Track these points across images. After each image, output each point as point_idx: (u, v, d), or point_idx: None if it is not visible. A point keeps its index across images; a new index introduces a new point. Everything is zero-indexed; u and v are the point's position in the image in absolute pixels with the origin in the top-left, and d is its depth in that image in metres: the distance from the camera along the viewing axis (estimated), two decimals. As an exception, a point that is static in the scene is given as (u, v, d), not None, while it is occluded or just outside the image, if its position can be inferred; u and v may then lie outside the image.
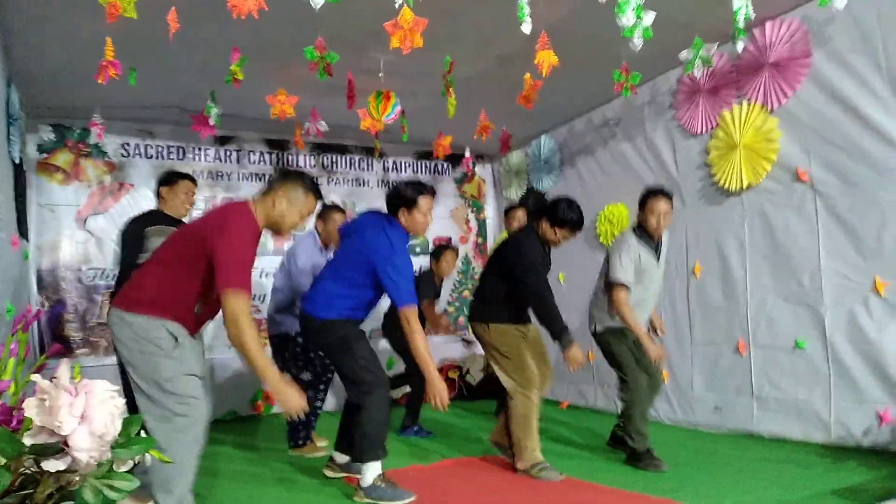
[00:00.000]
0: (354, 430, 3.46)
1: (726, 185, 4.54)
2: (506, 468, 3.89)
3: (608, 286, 3.96)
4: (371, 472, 3.32)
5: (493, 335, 3.89)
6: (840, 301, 3.95)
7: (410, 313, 3.29)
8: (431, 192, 3.53)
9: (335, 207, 4.72)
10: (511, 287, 3.85)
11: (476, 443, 4.67)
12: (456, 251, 5.51)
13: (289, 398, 2.61)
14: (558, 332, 3.67)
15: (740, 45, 3.73)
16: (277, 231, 2.82)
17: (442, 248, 5.43)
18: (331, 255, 4.57)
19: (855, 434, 3.82)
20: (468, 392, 6.52)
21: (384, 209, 3.59)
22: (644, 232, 3.97)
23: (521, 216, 5.61)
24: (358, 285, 3.42)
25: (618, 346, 3.97)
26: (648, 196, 3.95)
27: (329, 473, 3.77)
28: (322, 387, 4.54)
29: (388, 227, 3.44)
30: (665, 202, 3.90)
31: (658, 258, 4.01)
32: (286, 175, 2.86)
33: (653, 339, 4.02)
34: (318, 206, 4.49)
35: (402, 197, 3.46)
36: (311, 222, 4.61)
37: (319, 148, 6.61)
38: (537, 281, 3.79)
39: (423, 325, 4.44)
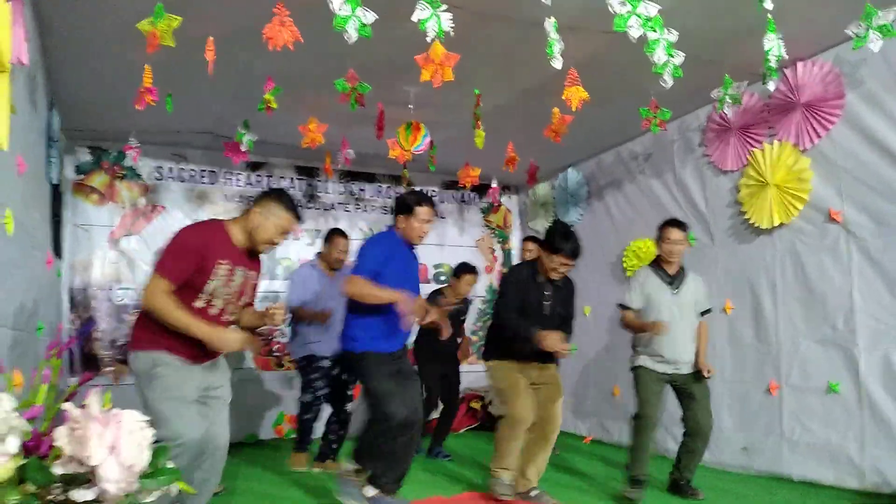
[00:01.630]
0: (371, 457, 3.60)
1: (757, 224, 4.49)
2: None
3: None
4: None
5: (490, 373, 4.03)
6: (875, 345, 3.86)
7: (352, 276, 3.55)
8: (431, 203, 3.71)
9: (338, 231, 4.97)
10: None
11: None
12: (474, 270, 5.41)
13: (222, 338, 2.73)
14: (529, 336, 3.70)
15: (772, 85, 3.70)
16: (254, 246, 2.94)
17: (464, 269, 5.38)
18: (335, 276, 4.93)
19: (891, 482, 3.70)
20: (490, 423, 6.44)
21: None
22: (659, 265, 4.09)
23: (531, 248, 5.63)
24: (362, 308, 3.55)
25: (638, 381, 4.05)
26: (663, 226, 4.10)
27: None
28: (315, 409, 4.79)
29: (376, 234, 3.69)
30: (677, 231, 4.02)
31: (675, 290, 4.02)
32: (266, 193, 3.02)
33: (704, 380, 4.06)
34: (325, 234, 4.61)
35: (403, 203, 3.70)
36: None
37: (348, 175, 6.68)
38: (503, 305, 3.93)
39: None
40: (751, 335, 4.62)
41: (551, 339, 3.64)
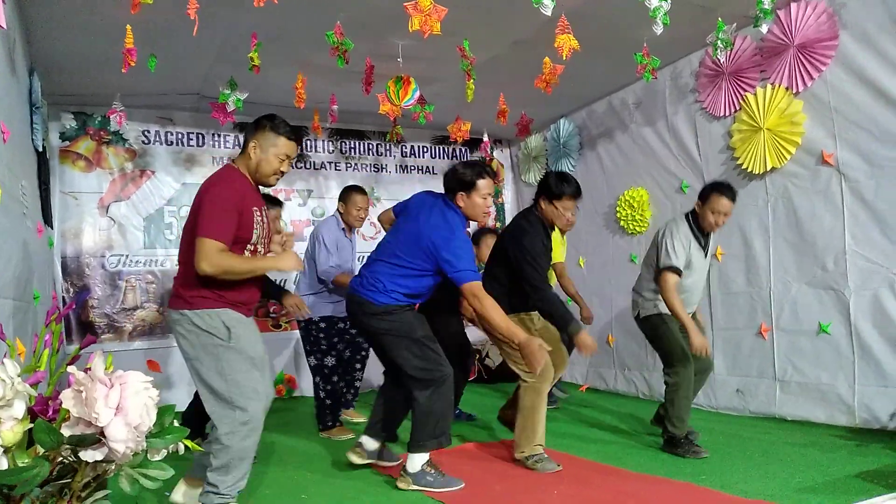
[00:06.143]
0: (398, 416, 3.55)
1: (750, 169, 4.48)
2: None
3: (658, 271, 3.78)
4: (419, 458, 3.26)
5: None
6: (865, 285, 3.90)
7: (476, 287, 3.12)
8: (491, 173, 3.33)
9: (355, 188, 4.75)
10: (512, 276, 3.68)
11: (497, 426, 4.68)
12: (496, 233, 4.91)
13: (286, 259, 2.76)
14: (564, 323, 3.52)
15: (765, 27, 3.67)
16: (262, 181, 2.85)
17: (482, 232, 5.11)
18: (353, 237, 4.83)
19: (880, 417, 3.80)
20: (487, 375, 6.54)
21: (413, 193, 3.57)
22: (698, 224, 3.83)
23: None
24: (417, 273, 3.26)
25: (666, 329, 3.81)
26: (714, 191, 3.73)
27: (355, 459, 3.51)
28: (348, 372, 4.68)
29: (446, 210, 3.29)
30: (730, 203, 3.72)
31: (705, 253, 3.91)
32: (255, 123, 2.84)
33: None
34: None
35: (460, 179, 3.28)
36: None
37: (338, 133, 6.61)
38: (537, 276, 3.58)
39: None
40: (742, 280, 4.66)
41: (585, 341, 3.43)
